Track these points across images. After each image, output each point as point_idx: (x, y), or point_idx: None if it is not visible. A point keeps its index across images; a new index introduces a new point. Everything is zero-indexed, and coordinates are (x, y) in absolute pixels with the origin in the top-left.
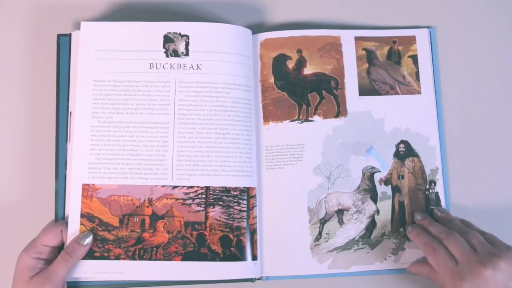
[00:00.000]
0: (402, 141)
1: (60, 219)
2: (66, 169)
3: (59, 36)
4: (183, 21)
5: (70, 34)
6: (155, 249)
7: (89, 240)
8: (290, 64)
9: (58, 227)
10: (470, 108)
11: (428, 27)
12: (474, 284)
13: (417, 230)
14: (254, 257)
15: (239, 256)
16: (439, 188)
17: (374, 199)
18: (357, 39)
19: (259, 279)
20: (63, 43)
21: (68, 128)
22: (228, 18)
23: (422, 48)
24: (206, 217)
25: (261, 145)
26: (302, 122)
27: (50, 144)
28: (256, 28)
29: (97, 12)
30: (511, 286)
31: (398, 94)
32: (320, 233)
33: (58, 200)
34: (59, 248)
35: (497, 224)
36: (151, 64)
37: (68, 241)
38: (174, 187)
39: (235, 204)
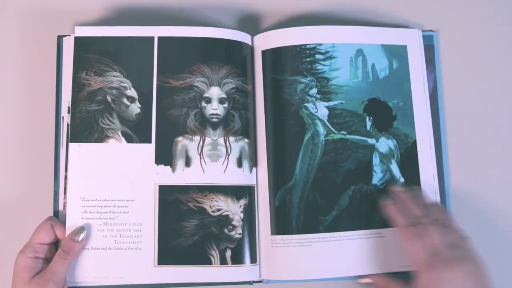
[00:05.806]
0: None
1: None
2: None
3: (59, 37)
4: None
5: (62, 39)
6: None
7: (84, 235)
8: None
9: (48, 223)
10: (472, 110)
11: (430, 30)
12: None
13: (396, 205)
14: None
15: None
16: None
17: None
18: None
19: (260, 281)
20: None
21: (61, 134)
22: (224, 22)
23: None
24: None
25: None
26: None
27: (50, 145)
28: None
29: (97, 14)
30: None
31: None
32: None
33: (56, 200)
34: (55, 244)
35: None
36: None
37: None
38: None
39: None
